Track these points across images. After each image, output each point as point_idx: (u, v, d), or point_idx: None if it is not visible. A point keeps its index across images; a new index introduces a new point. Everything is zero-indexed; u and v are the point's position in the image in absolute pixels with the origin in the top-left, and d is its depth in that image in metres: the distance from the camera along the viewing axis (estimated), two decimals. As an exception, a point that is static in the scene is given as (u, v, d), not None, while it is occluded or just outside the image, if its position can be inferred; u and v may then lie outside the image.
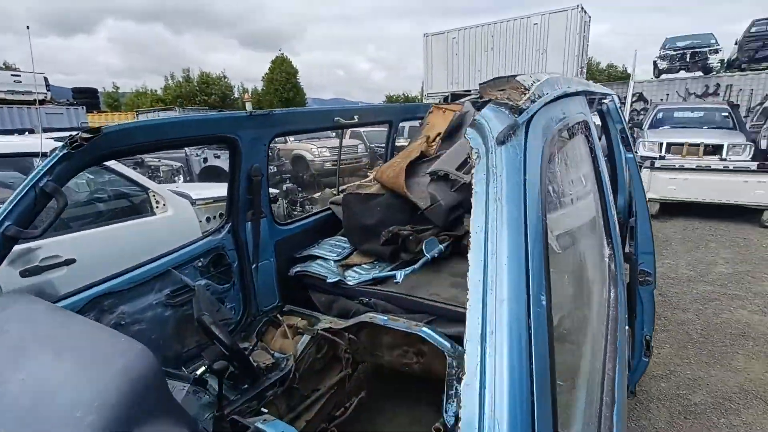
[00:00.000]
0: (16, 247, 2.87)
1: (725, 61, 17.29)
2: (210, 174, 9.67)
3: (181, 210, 3.93)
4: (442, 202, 2.70)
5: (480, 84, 1.10)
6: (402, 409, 3.23)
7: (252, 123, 2.52)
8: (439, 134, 3.63)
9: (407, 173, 3.12)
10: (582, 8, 17.27)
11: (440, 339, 2.29)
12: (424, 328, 2.34)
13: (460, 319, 2.45)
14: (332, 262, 2.95)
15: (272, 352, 2.61)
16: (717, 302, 4.90)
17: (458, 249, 2.94)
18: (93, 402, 0.96)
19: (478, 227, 0.78)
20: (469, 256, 0.76)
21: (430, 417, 3.12)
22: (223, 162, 9.36)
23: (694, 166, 8.35)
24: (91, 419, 0.93)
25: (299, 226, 3.17)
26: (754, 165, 8.54)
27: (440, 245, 2.76)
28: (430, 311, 2.44)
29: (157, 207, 3.75)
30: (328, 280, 2.75)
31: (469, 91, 19.87)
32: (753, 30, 16.01)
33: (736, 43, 17.18)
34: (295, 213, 7.26)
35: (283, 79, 40.38)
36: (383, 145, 13.71)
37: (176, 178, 8.49)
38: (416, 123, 4.26)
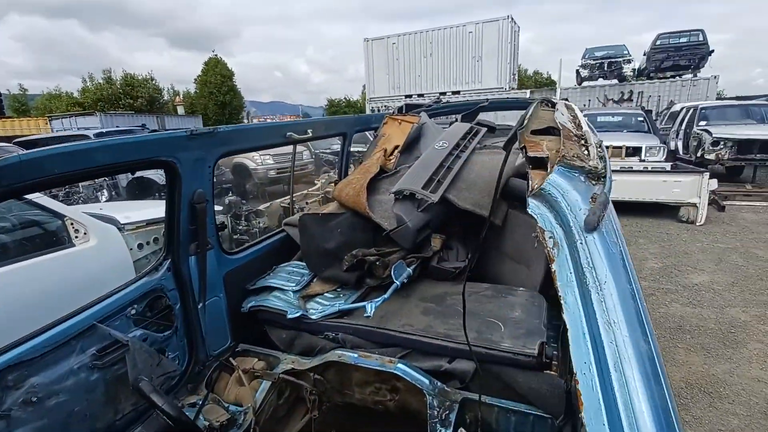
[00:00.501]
0: None
1: (636, 70, 19.12)
2: (139, 188, 8.74)
3: (107, 238, 3.39)
4: (409, 224, 2.53)
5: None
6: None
7: (193, 143, 2.17)
8: (396, 147, 3.47)
9: (367, 190, 2.92)
10: (512, 18, 18.22)
11: (417, 376, 2.10)
12: (400, 365, 2.14)
13: (437, 351, 2.30)
14: (291, 293, 2.65)
15: (227, 404, 2.27)
16: (654, 297, 5.24)
17: (426, 271, 2.78)
18: None
19: (585, 364, 0.57)
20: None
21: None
22: (154, 173, 8.50)
23: (618, 168, 9.02)
24: None
25: (251, 253, 2.83)
26: (668, 165, 9.42)
27: (408, 269, 2.58)
28: (403, 345, 2.25)
29: (76, 237, 3.20)
30: (289, 316, 2.46)
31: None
32: (658, 42, 17.87)
33: (644, 54, 19.07)
34: (240, 228, 6.75)
35: (218, 81, 38.24)
36: (328, 151, 13.41)
37: (99, 194, 7.54)
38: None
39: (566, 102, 1.13)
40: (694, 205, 8.23)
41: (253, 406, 2.20)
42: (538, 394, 1.87)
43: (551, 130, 0.75)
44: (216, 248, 2.49)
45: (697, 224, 8.18)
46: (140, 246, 3.78)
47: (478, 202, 2.66)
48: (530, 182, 0.62)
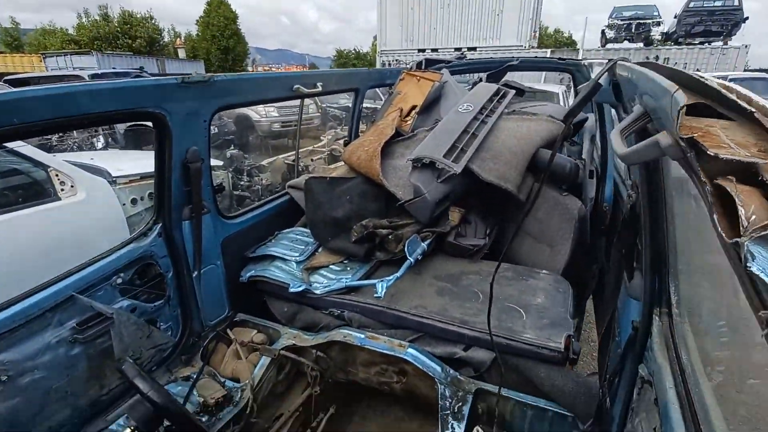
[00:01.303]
0: None
1: (664, 34, 17.89)
2: (139, 136, 8.36)
3: (97, 192, 3.14)
4: (427, 196, 2.26)
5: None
6: (372, 413, 2.94)
7: (186, 93, 1.87)
8: (414, 107, 3.12)
9: (381, 154, 2.62)
10: (538, -30, 16.83)
11: (429, 362, 1.94)
12: (410, 350, 1.97)
13: (452, 338, 2.12)
14: (294, 263, 2.44)
15: (223, 379, 2.13)
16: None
17: (441, 246, 2.56)
18: None
19: None
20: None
21: (404, 420, 2.86)
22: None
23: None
24: None
25: (251, 218, 2.59)
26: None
27: (423, 244, 2.35)
28: (415, 328, 2.07)
29: (62, 190, 2.95)
30: (291, 289, 2.26)
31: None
32: (691, 5, 16.57)
33: (675, 17, 17.77)
34: (241, 184, 6.48)
35: (221, 24, 36.27)
36: (335, 105, 12.82)
37: (95, 139, 7.20)
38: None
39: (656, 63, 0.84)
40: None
41: (251, 383, 2.05)
42: (563, 392, 1.70)
43: (705, 108, 0.47)
44: (213, 212, 2.25)
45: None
46: (134, 201, 3.54)
47: (504, 174, 2.38)
48: (742, 209, 0.35)
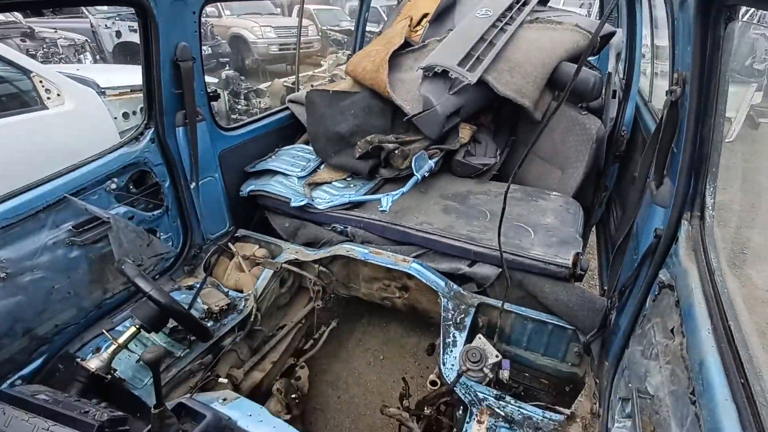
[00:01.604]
0: None
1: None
2: (127, 53, 7.86)
3: (86, 103, 2.95)
4: (438, 108, 2.10)
5: None
6: (372, 329, 3.05)
7: (169, -26, 1.64)
8: (425, 15, 2.83)
9: (389, 66, 2.41)
10: None
11: (433, 277, 1.92)
12: (414, 265, 1.95)
13: (457, 254, 2.09)
14: (295, 179, 2.35)
15: (226, 290, 2.13)
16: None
17: (449, 166, 2.44)
18: None
19: None
20: None
21: (403, 336, 2.97)
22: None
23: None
24: None
25: (250, 131, 2.45)
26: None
27: (431, 161, 2.24)
28: (420, 243, 2.03)
29: (48, 98, 2.76)
30: (292, 204, 2.19)
31: None
32: None
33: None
34: (238, 107, 6.20)
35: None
36: (336, 28, 12.02)
37: (82, 56, 6.77)
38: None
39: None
40: (729, 119, 7.54)
41: (254, 293, 2.06)
42: (566, 306, 1.70)
43: None
44: (209, 121, 2.11)
45: (726, 140, 7.62)
46: (125, 115, 3.36)
47: (522, 89, 2.20)
48: None
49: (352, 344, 2.93)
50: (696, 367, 0.81)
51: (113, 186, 1.80)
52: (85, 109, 2.93)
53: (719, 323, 0.82)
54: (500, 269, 1.83)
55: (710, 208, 1.02)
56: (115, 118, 3.31)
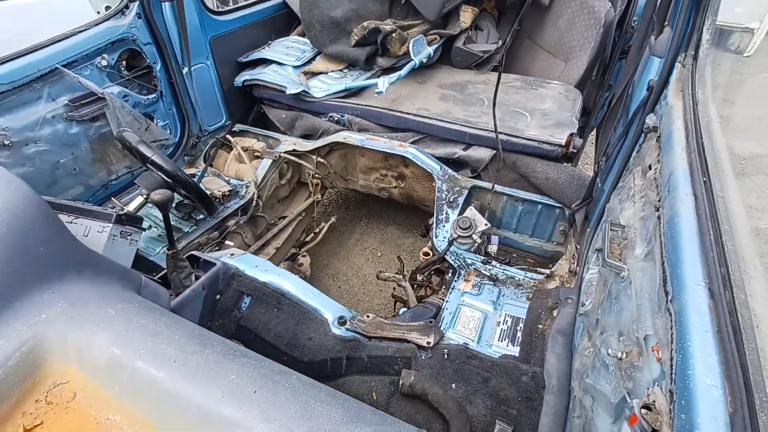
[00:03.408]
0: None
1: None
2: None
3: (65, -9, 2.79)
4: (438, -16, 1.99)
5: None
6: (370, 231, 3.18)
7: None
8: None
9: (386, -58, 2.23)
10: None
11: (428, 160, 1.97)
12: (410, 149, 1.98)
13: (453, 137, 2.11)
14: (291, 68, 2.30)
15: (227, 178, 2.19)
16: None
17: (449, 58, 2.37)
18: None
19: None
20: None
21: (400, 237, 3.11)
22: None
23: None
24: None
25: (241, 17, 2.34)
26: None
27: (429, 48, 2.17)
28: (417, 129, 2.05)
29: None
30: (288, 92, 2.17)
31: None
32: None
33: None
34: None
35: None
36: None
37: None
38: None
39: None
40: (751, 30, 7.09)
41: (254, 180, 2.12)
42: (556, 183, 1.76)
43: None
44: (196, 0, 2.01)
45: (744, 55, 7.24)
46: (107, 8, 3.20)
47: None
48: None
49: (351, 243, 3.08)
50: (665, 179, 0.87)
51: (104, 63, 1.77)
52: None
53: (693, 141, 0.86)
54: (494, 151, 1.87)
55: (705, 44, 1.02)
56: (98, 12, 3.14)
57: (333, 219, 2.66)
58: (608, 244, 1.04)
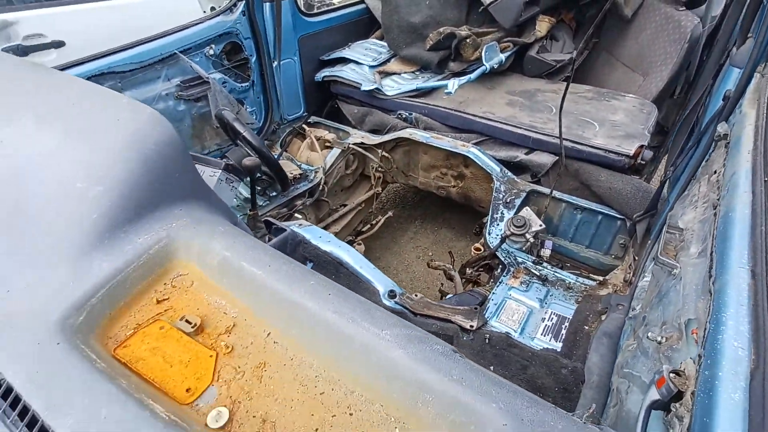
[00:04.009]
0: (-9, 17, 2.41)
1: None
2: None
3: (180, -8, 3.22)
4: (517, -7, 2.07)
5: None
6: (424, 231, 3.27)
7: None
8: None
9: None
10: None
11: (489, 162, 2.03)
12: (473, 149, 2.06)
13: (516, 141, 2.16)
14: (367, 67, 2.48)
15: (299, 163, 2.42)
16: None
17: (521, 66, 2.42)
18: (96, 171, 0.73)
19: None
20: None
21: (452, 240, 3.17)
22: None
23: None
24: (98, 191, 0.71)
25: (328, 20, 2.58)
26: None
27: (501, 55, 2.25)
28: (481, 131, 2.13)
29: (150, -15, 3.06)
30: (362, 88, 2.35)
31: None
32: None
33: None
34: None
35: None
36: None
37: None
38: None
39: None
40: None
41: (323, 167, 2.32)
42: (619, 195, 1.75)
43: None
44: (291, 1, 2.27)
45: None
46: (213, 10, 3.62)
47: (613, -24, 2.07)
48: None
49: (404, 240, 3.19)
50: (727, 179, 0.89)
51: (211, 52, 2.06)
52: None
53: (760, 145, 0.88)
54: (557, 157, 1.90)
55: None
56: (204, 12, 3.56)
57: (390, 213, 2.80)
58: (663, 245, 1.05)
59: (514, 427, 0.46)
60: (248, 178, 1.55)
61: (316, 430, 0.51)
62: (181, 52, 1.93)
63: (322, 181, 2.31)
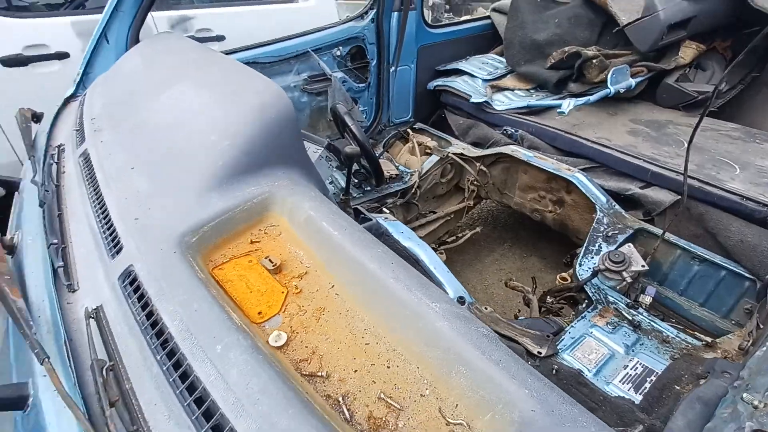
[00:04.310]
0: (173, 13, 3.00)
1: None
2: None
3: (323, 2, 3.64)
4: (660, 14, 1.92)
5: None
6: (511, 255, 3.15)
7: None
8: None
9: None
10: None
11: (595, 190, 1.90)
12: (578, 175, 1.95)
13: (630, 173, 1.98)
14: (480, 80, 2.52)
15: (397, 164, 2.53)
16: None
17: (653, 89, 2.22)
18: (227, 129, 0.90)
19: None
20: None
21: (540, 270, 2.99)
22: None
23: None
24: (225, 144, 0.87)
25: (451, 32, 2.68)
26: None
27: (631, 80, 2.09)
28: (591, 157, 2.00)
29: (300, -6, 3.51)
30: (472, 100, 2.39)
31: None
32: None
33: None
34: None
35: None
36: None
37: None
38: None
39: None
40: None
41: (419, 171, 2.40)
42: (753, 251, 1.50)
43: None
44: (418, 12, 2.41)
45: None
46: (348, 18, 3.96)
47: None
48: None
49: (489, 261, 3.11)
50: None
51: (338, 53, 2.30)
52: (321, 8, 3.62)
53: None
54: (678, 196, 1.70)
55: None
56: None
57: (478, 229, 2.76)
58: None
59: (542, 414, 0.45)
60: (345, 167, 1.69)
61: (356, 371, 0.57)
62: (313, 50, 2.19)
63: (416, 185, 2.39)
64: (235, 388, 0.48)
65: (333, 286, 0.69)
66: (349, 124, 1.87)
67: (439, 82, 2.64)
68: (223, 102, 0.97)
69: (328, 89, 2.26)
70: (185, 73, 1.14)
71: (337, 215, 0.81)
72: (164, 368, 0.53)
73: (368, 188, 2.31)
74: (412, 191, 2.38)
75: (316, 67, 2.23)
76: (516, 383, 0.49)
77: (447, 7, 6.88)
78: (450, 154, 2.44)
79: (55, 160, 1.10)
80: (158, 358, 0.55)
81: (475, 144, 2.50)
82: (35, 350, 0.57)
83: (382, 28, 2.33)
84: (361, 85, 2.47)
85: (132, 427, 0.48)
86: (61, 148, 1.17)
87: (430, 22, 2.67)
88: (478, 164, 2.44)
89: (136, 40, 1.71)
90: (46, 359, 0.55)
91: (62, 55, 2.48)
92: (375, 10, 2.30)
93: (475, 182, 2.53)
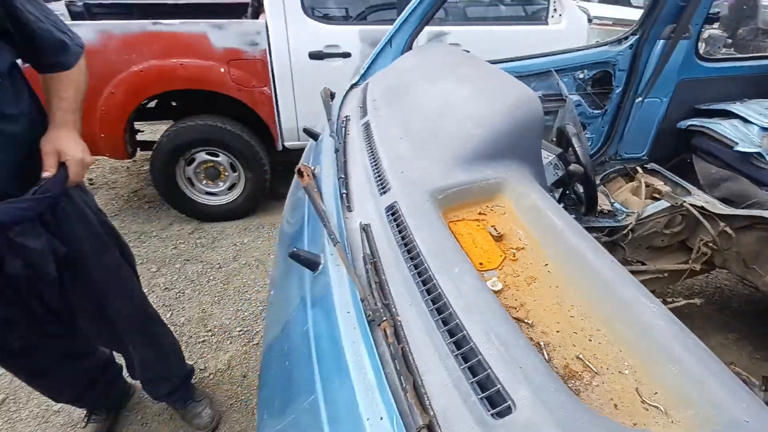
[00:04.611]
0: (432, 28, 3.47)
1: None
2: None
3: (574, 25, 3.62)
4: None
5: None
6: (737, 351, 2.53)
7: None
8: None
9: None
10: None
11: None
12: None
13: None
14: (757, 128, 2.12)
15: (612, 201, 2.36)
16: None
17: None
18: (482, 120, 1.08)
19: None
20: None
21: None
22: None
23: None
24: (478, 132, 1.06)
25: (728, 68, 2.34)
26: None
27: None
28: None
29: (551, 17, 3.59)
30: (737, 148, 2.04)
31: None
32: None
33: None
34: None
35: None
36: None
37: None
38: None
39: None
40: None
41: (639, 212, 2.19)
42: None
43: None
44: (692, 41, 2.19)
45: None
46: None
47: None
48: None
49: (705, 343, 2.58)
50: None
51: (581, 75, 2.30)
52: (572, 30, 3.62)
53: None
54: None
55: None
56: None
57: (697, 301, 2.34)
58: None
59: (756, 428, 0.44)
60: (562, 184, 1.71)
61: (558, 332, 0.65)
62: (556, 71, 2.26)
63: (630, 227, 2.19)
64: (465, 297, 0.63)
65: (546, 264, 0.79)
66: (576, 146, 1.87)
67: (695, 121, 2.33)
68: (482, 97, 1.17)
69: (560, 109, 2.29)
70: (452, 71, 1.40)
71: (558, 208, 0.89)
72: (411, 273, 0.74)
73: (573, 216, 2.24)
74: (624, 232, 2.19)
75: (553, 86, 2.29)
76: (731, 395, 0.48)
77: (729, 41, 5.82)
78: (686, 204, 2.13)
79: (344, 126, 1.51)
80: (408, 265, 0.76)
81: (725, 200, 2.12)
82: (331, 236, 0.86)
83: (639, 55, 2.22)
84: (596, 111, 2.41)
85: (384, 300, 0.70)
86: (348, 118, 1.59)
87: (702, 53, 2.38)
88: (722, 224, 2.06)
89: (410, 47, 2.13)
90: (338, 243, 0.83)
91: (346, 55, 3.23)
92: (637, 37, 2.20)
93: (712, 245, 2.14)
